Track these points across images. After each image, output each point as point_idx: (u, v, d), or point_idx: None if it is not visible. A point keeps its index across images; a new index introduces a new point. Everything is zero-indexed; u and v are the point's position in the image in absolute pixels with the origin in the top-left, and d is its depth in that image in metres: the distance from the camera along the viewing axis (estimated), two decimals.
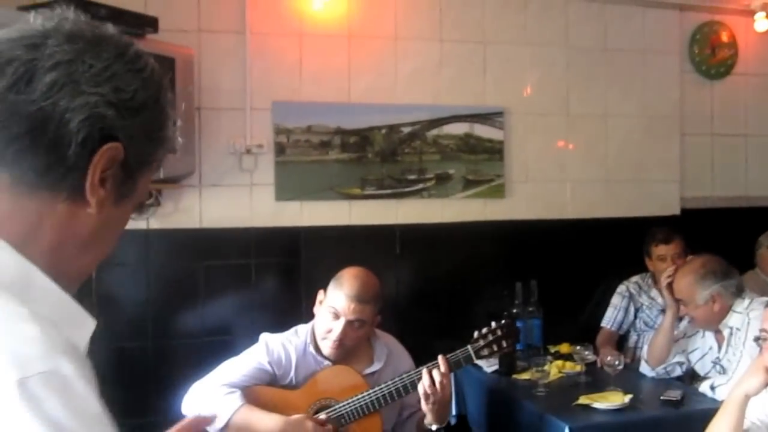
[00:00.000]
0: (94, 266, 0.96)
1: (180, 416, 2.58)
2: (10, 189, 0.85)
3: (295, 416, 2.51)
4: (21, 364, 0.72)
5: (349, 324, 2.67)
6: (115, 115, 0.86)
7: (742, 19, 4.48)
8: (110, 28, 0.93)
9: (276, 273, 3.61)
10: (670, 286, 3.25)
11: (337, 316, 2.67)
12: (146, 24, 3.08)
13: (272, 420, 2.49)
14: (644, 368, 3.28)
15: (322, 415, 2.59)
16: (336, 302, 2.68)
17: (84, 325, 0.90)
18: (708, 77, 4.49)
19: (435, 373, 2.57)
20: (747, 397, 2.05)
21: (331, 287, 2.74)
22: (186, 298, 3.48)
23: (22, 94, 0.82)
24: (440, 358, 2.62)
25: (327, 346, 2.71)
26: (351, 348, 2.74)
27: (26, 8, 2.89)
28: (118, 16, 2.96)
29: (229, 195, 3.57)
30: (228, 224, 3.55)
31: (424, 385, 2.55)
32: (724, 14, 4.48)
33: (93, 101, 0.84)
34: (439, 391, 2.54)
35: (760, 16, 4.39)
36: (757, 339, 2.12)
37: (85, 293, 3.26)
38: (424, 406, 2.58)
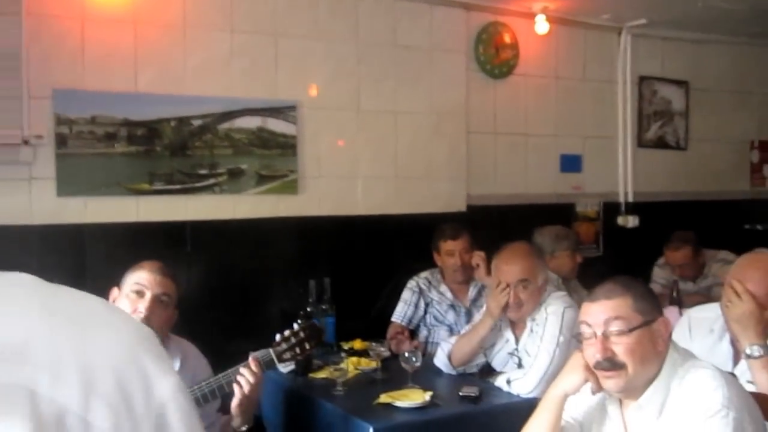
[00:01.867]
0: None
1: None
2: None
3: None
4: None
5: (156, 299, 2.76)
6: None
7: (524, 21, 5.08)
8: None
9: (59, 274, 3.52)
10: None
11: (141, 294, 2.76)
12: None
13: None
14: (444, 366, 3.52)
15: None
16: (140, 279, 2.78)
17: None
18: (492, 76, 5.07)
19: (246, 373, 2.69)
20: (566, 396, 2.17)
21: (129, 274, 2.83)
22: None
23: None
24: (251, 359, 2.73)
25: None
26: (155, 332, 2.87)
27: None
28: None
29: (5, 189, 3.60)
30: (4, 221, 3.57)
31: (239, 387, 2.67)
32: (507, 15, 5.07)
33: None
34: (252, 392, 2.68)
35: (540, 18, 5.01)
36: (577, 336, 2.24)
37: None
38: (234, 409, 2.70)
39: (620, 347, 2.06)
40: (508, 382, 3.22)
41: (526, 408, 2.33)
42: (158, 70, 3.95)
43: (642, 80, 5.79)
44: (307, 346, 2.87)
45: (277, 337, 2.84)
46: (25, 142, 3.61)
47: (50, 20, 3.72)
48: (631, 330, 2.07)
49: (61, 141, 3.70)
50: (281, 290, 4.23)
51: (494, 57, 5.07)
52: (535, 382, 3.12)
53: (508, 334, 3.45)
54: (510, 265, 3.33)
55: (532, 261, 3.38)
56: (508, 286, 3.30)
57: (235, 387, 2.68)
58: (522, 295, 3.29)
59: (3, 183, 3.62)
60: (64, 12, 3.75)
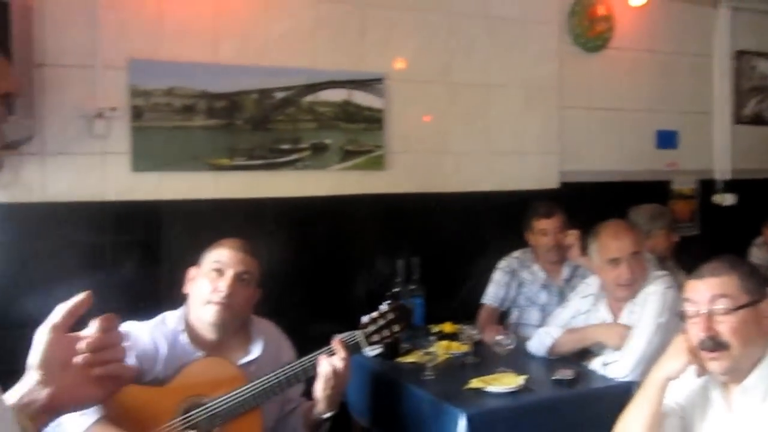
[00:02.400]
0: None
1: None
2: None
3: None
4: None
5: (237, 277, 2.48)
6: None
7: None
8: None
9: (134, 253, 3.28)
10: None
11: (221, 272, 2.48)
12: None
13: None
14: (538, 352, 3.17)
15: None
16: (220, 257, 2.51)
17: None
18: (586, 50, 4.52)
19: (334, 358, 2.41)
20: (668, 381, 1.99)
21: (208, 252, 2.56)
22: (28, 281, 3.09)
23: None
24: (336, 342, 2.45)
25: (211, 311, 2.45)
26: (237, 314, 2.52)
27: None
28: None
29: (78, 164, 3.20)
30: (77, 197, 3.19)
31: (324, 372, 2.39)
32: None
33: None
34: (339, 378, 2.41)
35: None
36: (680, 315, 2.04)
37: None
38: (319, 393, 2.42)
39: (725, 326, 1.92)
40: (604, 365, 2.91)
41: (623, 392, 2.18)
42: (239, 39, 3.50)
43: (740, 55, 5.16)
44: (396, 329, 2.57)
45: (364, 318, 2.56)
46: (99, 115, 3.20)
47: None
48: (737, 308, 1.92)
49: (136, 113, 3.28)
50: (367, 270, 3.78)
51: (588, 30, 4.50)
52: (632, 366, 2.81)
53: (606, 315, 3.10)
54: (619, 240, 2.99)
55: (638, 234, 3.11)
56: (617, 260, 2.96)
57: (320, 372, 2.40)
58: (635, 269, 2.96)
59: (76, 157, 3.22)
60: None
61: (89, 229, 3.20)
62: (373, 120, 3.77)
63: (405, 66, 3.89)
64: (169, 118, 3.32)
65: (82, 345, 1.11)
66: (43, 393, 1.10)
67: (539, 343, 3.14)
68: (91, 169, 3.22)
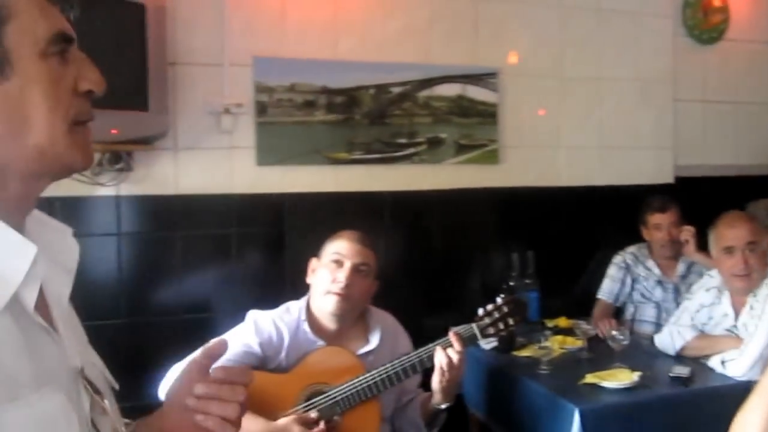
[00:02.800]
0: (36, 158, 0.86)
1: (156, 401, 2.26)
2: None
3: (281, 421, 2.20)
4: None
5: (355, 269, 2.44)
6: None
7: None
8: None
9: (258, 244, 3.23)
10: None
11: (340, 264, 2.45)
12: None
13: (256, 425, 2.17)
14: (667, 350, 2.97)
15: (313, 413, 2.27)
16: (339, 248, 2.48)
17: (21, 250, 0.84)
18: (700, 42, 4.19)
19: (450, 351, 2.33)
20: None
21: (328, 244, 2.53)
22: (162, 271, 3.09)
23: None
24: (452, 335, 2.37)
25: (331, 301, 2.42)
26: (356, 304, 2.48)
27: None
28: None
29: (207, 159, 3.16)
30: (206, 190, 3.14)
31: (440, 363, 2.32)
32: None
33: None
34: (455, 370, 2.33)
35: None
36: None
37: None
38: (435, 385, 2.37)
39: None
40: (723, 362, 2.72)
41: (741, 391, 1.87)
42: (357, 36, 3.39)
43: None
44: (511, 322, 2.48)
45: (480, 311, 2.48)
46: (226, 111, 3.14)
47: None
48: None
49: (260, 109, 3.21)
50: (482, 263, 3.61)
51: (703, 22, 4.17)
52: (749, 365, 2.62)
53: (728, 309, 2.88)
54: (735, 228, 2.83)
55: (756, 224, 2.92)
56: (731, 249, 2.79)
57: (437, 363, 2.34)
58: (751, 260, 2.76)
59: (205, 152, 3.17)
60: None
61: (217, 220, 3.16)
62: (487, 114, 3.59)
63: (518, 60, 3.69)
64: (291, 114, 3.24)
65: (197, 389, 1.05)
66: (159, 422, 1.09)
67: (670, 341, 2.95)
68: (219, 163, 3.17)
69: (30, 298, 0.85)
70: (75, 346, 0.95)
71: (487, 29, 3.60)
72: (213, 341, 1.10)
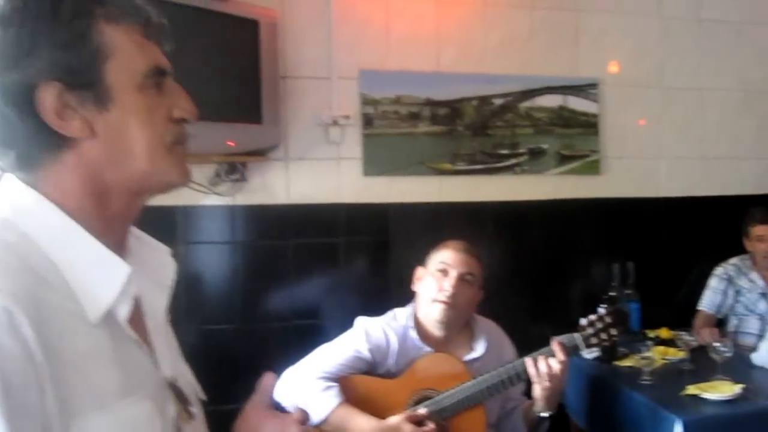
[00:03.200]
0: (138, 180, 0.90)
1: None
2: (26, 169, 0.88)
3: (392, 420, 2.16)
4: None
5: (460, 278, 2.36)
6: (15, 73, 0.83)
7: None
8: None
9: (364, 252, 3.15)
10: None
11: (446, 273, 2.38)
12: None
13: (369, 424, 2.14)
14: (766, 365, 2.74)
15: (422, 410, 2.21)
16: (444, 258, 2.40)
17: (116, 270, 0.88)
18: None
19: (552, 360, 2.25)
20: None
21: (434, 253, 2.46)
22: (273, 278, 3.04)
23: None
24: (555, 344, 2.28)
25: (437, 309, 2.35)
26: (461, 312, 2.40)
27: None
28: None
29: (316, 169, 3.09)
30: (315, 200, 3.08)
31: (540, 372, 2.23)
32: None
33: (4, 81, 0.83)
34: (557, 379, 2.24)
35: None
36: None
37: None
38: (537, 393, 2.26)
39: None
40: None
41: None
42: (459, 49, 3.26)
43: None
44: (614, 332, 2.37)
45: (583, 321, 2.38)
46: (334, 123, 3.08)
47: (357, 4, 3.15)
48: None
49: (367, 121, 3.13)
50: (582, 273, 3.42)
51: None
52: None
53: None
54: None
55: None
56: None
57: (539, 372, 2.25)
58: None
59: (314, 162, 3.11)
60: None
61: (325, 229, 3.09)
62: (588, 125, 3.41)
63: (619, 71, 3.50)
64: (396, 125, 3.14)
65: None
66: None
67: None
68: (327, 173, 3.10)
69: (123, 314, 0.89)
70: (167, 357, 0.98)
71: (587, 40, 3.43)
72: (264, 378, 1.11)
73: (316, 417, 2.13)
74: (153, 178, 0.91)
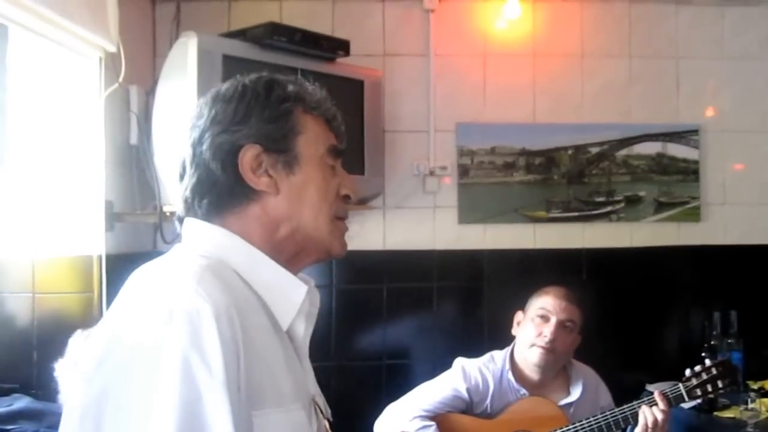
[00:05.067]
0: (303, 237, 1.09)
1: None
2: (223, 217, 1.08)
3: None
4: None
5: (560, 324, 2.45)
6: (227, 135, 1.06)
7: None
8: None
9: (458, 297, 3.27)
10: None
11: (546, 319, 2.46)
12: (338, 47, 2.92)
13: None
14: None
15: None
16: (545, 304, 2.49)
17: (296, 288, 1.06)
18: None
19: (655, 409, 2.25)
20: None
21: (535, 298, 2.55)
22: (368, 319, 3.23)
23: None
24: (657, 394, 2.28)
25: (536, 354, 2.43)
26: (559, 358, 2.47)
27: (228, 35, 2.72)
28: (314, 40, 2.79)
29: (413, 217, 3.27)
30: (411, 246, 3.25)
31: (645, 421, 2.24)
32: None
33: (214, 139, 1.07)
34: (659, 429, 2.25)
35: None
36: None
37: None
38: None
39: None
40: None
41: None
42: (555, 99, 3.36)
43: None
44: (720, 385, 2.34)
45: (687, 371, 2.35)
46: (431, 173, 3.26)
47: (455, 59, 3.32)
48: None
49: (462, 171, 3.29)
50: (681, 322, 3.38)
51: None
52: None
53: None
54: None
55: None
56: None
57: (641, 421, 2.25)
58: None
59: (411, 211, 3.29)
60: (468, 51, 3.33)
61: (419, 274, 3.23)
62: (689, 171, 3.40)
63: (721, 116, 3.46)
64: (492, 175, 3.27)
65: None
66: None
67: None
68: (423, 221, 3.26)
69: (300, 330, 1.09)
70: (311, 376, 1.16)
71: (687, 86, 3.42)
72: None
73: None
74: (317, 239, 1.10)
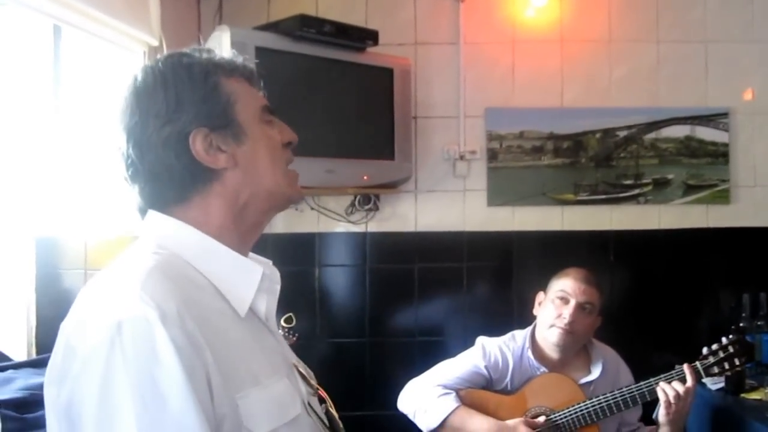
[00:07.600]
0: (266, 196, 1.13)
1: (394, 410, 2.53)
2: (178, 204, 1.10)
3: (510, 422, 2.35)
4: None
5: (579, 307, 2.47)
6: (170, 126, 1.06)
7: None
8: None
9: (487, 277, 3.38)
10: None
11: (566, 301, 2.49)
12: (368, 37, 3.03)
13: (488, 423, 2.34)
14: None
15: (540, 418, 2.39)
16: (564, 286, 2.52)
17: (251, 272, 1.09)
18: None
19: (676, 383, 2.28)
20: None
21: (555, 280, 2.58)
22: (401, 298, 3.36)
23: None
24: (687, 367, 2.30)
25: (555, 334, 2.49)
26: (578, 338, 2.52)
27: (261, 28, 2.85)
28: (343, 31, 2.91)
29: (443, 200, 3.39)
30: (441, 228, 3.37)
31: (668, 396, 2.26)
32: None
33: (160, 133, 1.06)
34: (683, 402, 2.26)
35: None
36: None
37: (309, 291, 3.19)
38: (662, 418, 2.28)
39: None
40: None
41: None
42: (583, 84, 3.43)
43: None
44: (737, 362, 2.36)
45: (704, 350, 2.39)
46: (461, 158, 3.37)
47: (484, 46, 3.42)
48: None
49: (492, 155, 3.39)
50: (709, 303, 3.42)
51: None
52: None
53: None
54: None
55: None
56: None
57: (663, 396, 2.27)
58: None
59: (442, 194, 3.41)
60: (497, 38, 3.43)
61: (450, 255, 3.34)
62: (718, 154, 3.44)
63: (751, 99, 3.48)
64: (520, 159, 3.36)
65: None
66: None
67: None
68: (453, 204, 3.38)
69: (262, 308, 1.11)
70: (287, 347, 1.22)
71: (716, 69, 3.45)
72: None
73: (435, 420, 2.36)
74: (277, 193, 1.13)
